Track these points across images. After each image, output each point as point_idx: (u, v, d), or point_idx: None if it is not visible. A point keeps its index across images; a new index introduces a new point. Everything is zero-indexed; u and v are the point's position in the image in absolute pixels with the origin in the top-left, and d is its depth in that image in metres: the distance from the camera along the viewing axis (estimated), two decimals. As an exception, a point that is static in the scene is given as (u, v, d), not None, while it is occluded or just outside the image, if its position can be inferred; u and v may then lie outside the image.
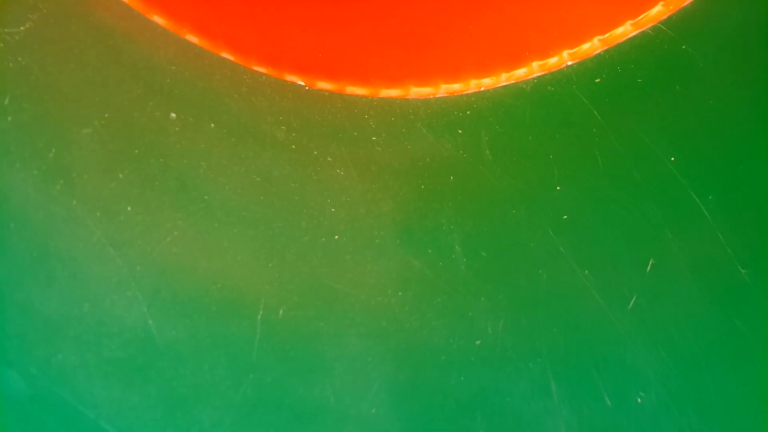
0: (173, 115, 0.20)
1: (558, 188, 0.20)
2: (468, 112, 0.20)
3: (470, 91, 0.17)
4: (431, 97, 0.17)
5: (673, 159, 0.20)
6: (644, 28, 0.17)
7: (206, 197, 0.21)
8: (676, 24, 0.19)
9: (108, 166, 0.21)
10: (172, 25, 0.16)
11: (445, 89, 0.17)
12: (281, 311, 0.21)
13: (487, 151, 0.20)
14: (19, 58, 0.20)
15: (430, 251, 0.21)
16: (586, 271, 0.21)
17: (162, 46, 0.19)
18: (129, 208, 0.21)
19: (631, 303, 0.20)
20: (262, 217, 0.21)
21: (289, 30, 0.16)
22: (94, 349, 0.21)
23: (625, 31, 0.17)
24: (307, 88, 0.17)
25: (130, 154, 0.21)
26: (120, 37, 0.20)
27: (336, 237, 0.21)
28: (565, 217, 0.20)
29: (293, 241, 0.21)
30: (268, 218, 0.21)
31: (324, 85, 0.16)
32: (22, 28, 0.20)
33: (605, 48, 0.17)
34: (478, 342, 0.21)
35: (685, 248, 0.20)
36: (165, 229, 0.21)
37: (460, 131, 0.20)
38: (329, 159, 0.20)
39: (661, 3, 0.16)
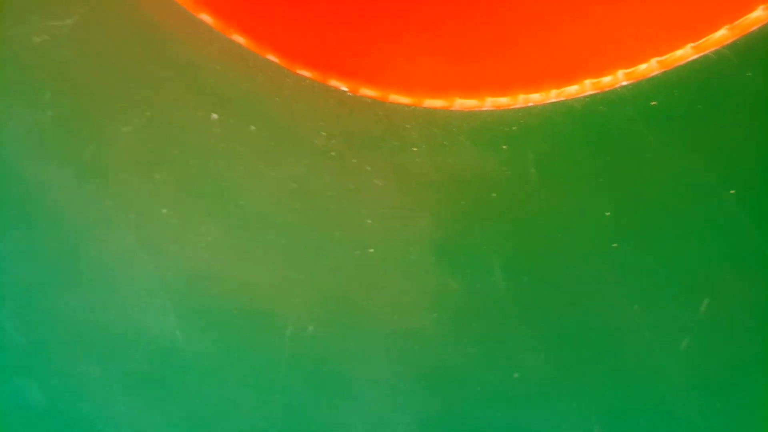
0: (215, 115, 0.21)
1: (607, 214, 0.21)
2: (514, 128, 0.20)
3: (518, 106, 0.17)
4: (476, 109, 0.18)
5: (732, 192, 0.20)
6: (706, 52, 0.17)
7: (242, 203, 0.22)
8: (740, 50, 0.19)
9: (145, 167, 0.22)
10: (220, 24, 0.17)
11: (492, 102, 0.17)
12: (311, 328, 0.22)
13: (533, 170, 0.21)
14: (64, 52, 0.22)
15: (467, 272, 0.21)
16: (635, 306, 0.21)
17: (207, 46, 0.21)
18: (164, 211, 0.22)
19: (683, 345, 0.21)
20: (297, 226, 0.22)
21: (336, 35, 0.18)
22: (118, 360, 0.21)
23: (685, 53, 0.17)
24: (350, 94, 0.18)
25: (168, 155, 0.22)
26: (166, 35, 0.21)
27: (371, 251, 0.22)
28: (614, 245, 0.21)
29: (326, 252, 0.22)
30: (302, 227, 0.22)
31: (367, 91, 0.17)
32: (68, 21, 0.22)
33: (663, 70, 0.17)
34: (516, 375, 0.21)
35: (744, 290, 0.20)
36: (198, 234, 0.22)
37: (504, 147, 0.21)
38: (368, 168, 0.21)
39: (726, 27, 0.17)
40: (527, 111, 0.20)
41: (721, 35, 0.17)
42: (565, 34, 0.17)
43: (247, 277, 0.22)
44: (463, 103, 0.17)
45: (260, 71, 0.20)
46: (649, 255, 0.21)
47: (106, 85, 0.22)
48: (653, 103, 0.20)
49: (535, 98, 0.17)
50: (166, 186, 0.22)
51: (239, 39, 0.17)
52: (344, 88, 0.18)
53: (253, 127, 0.21)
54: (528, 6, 0.18)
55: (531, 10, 0.18)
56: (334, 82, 0.17)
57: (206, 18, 0.17)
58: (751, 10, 0.16)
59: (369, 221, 0.21)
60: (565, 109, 0.20)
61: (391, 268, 0.22)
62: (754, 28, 0.17)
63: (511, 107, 0.18)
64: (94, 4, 0.21)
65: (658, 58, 0.17)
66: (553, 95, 0.17)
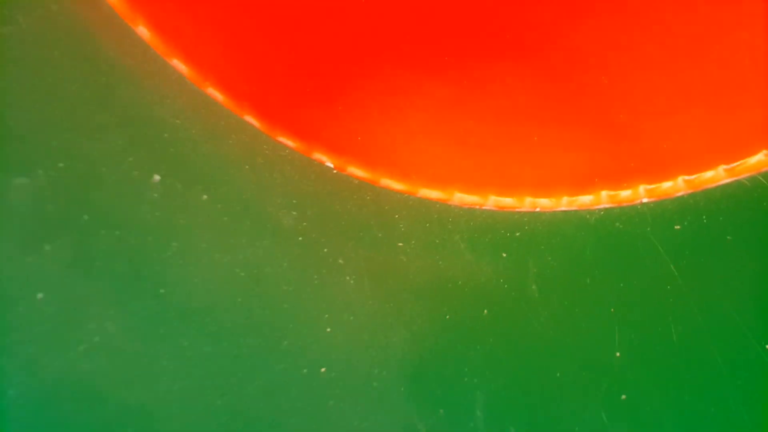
0: (157, 177, 0.24)
1: (618, 354, 0.24)
2: (517, 234, 0.24)
3: (523, 209, 0.22)
4: (477, 207, 0.22)
5: None
6: (740, 177, 0.21)
7: (162, 291, 0.23)
8: (779, 180, 0.23)
9: (33, 233, 0.23)
10: (195, 74, 0.21)
11: (495, 202, 0.22)
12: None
13: (534, 287, 0.24)
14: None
15: (441, 411, 0.24)
16: (644, 483, 0.24)
17: (172, 95, 0.24)
18: (39, 296, 0.23)
19: None
20: (231, 329, 0.24)
21: (329, 103, 0.22)
22: None
23: (716, 176, 0.21)
24: (335, 171, 0.22)
25: (74, 220, 0.23)
26: (122, 76, 0.24)
27: (323, 370, 0.24)
28: (623, 397, 0.24)
29: (264, 368, 0.24)
30: (238, 330, 0.24)
31: (356, 171, 0.21)
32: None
33: (690, 191, 0.22)
34: None
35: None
36: (81, 334, 0.23)
37: (504, 255, 0.24)
38: (340, 261, 0.24)
39: (764, 152, 0.21)
40: (534, 216, 0.24)
41: (758, 161, 0.21)
42: (582, 138, 0.22)
43: (132, 402, 0.23)
44: (463, 198, 0.22)
45: (233, 133, 0.23)
46: (665, 413, 0.24)
47: (15, 120, 0.23)
48: (677, 227, 0.24)
49: (544, 203, 0.22)
50: (57, 262, 0.23)
51: (215, 94, 0.21)
52: (330, 164, 0.22)
53: (205, 197, 0.24)
54: (545, 103, 0.22)
55: (548, 108, 0.22)
56: (319, 156, 0.21)
57: (179, 65, 0.21)
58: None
59: (329, 330, 0.24)
60: (577, 220, 0.24)
61: (346, 396, 0.24)
62: (795, 157, 0.21)
63: (516, 210, 0.22)
64: (38, 15, 0.23)
65: (686, 177, 0.21)
66: (564, 203, 0.22)
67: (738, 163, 0.21)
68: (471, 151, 0.22)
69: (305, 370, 0.24)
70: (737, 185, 0.22)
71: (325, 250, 0.24)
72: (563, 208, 0.22)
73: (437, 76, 0.22)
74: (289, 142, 0.21)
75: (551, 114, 0.22)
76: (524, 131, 0.22)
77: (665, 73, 0.22)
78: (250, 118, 0.21)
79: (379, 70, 0.22)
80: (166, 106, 0.24)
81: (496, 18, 0.23)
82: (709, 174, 0.21)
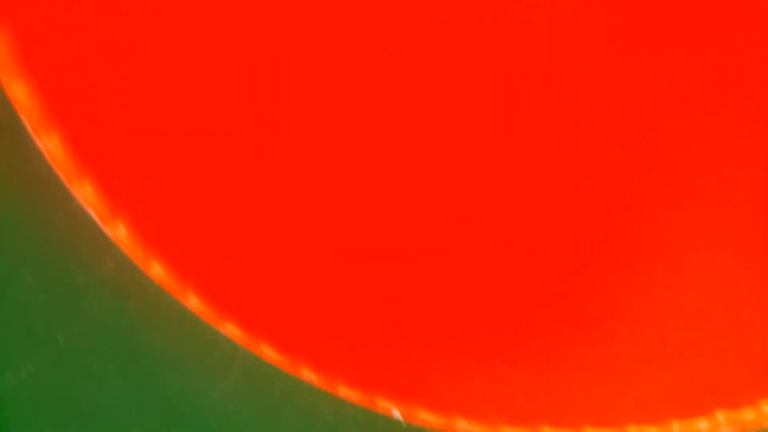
0: None
1: None
2: None
3: None
4: None
5: None
6: None
7: None
8: None
9: None
10: (247, 337, 0.22)
11: None
12: None
13: None
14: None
15: None
16: None
17: (221, 368, 0.25)
18: None
19: None
20: None
21: (391, 343, 0.23)
22: None
23: None
24: (405, 424, 0.22)
25: None
26: (157, 354, 0.26)
27: None
28: None
29: None
30: None
31: (428, 417, 0.22)
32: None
33: None
34: None
35: None
36: None
37: None
38: None
39: None
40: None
41: None
42: (688, 347, 0.22)
43: None
44: (555, 434, 0.21)
45: (287, 401, 0.25)
46: None
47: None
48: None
49: (651, 433, 0.21)
50: None
51: (270, 353, 0.22)
52: (397, 414, 0.22)
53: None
54: (636, 318, 0.23)
55: (639, 319, 0.23)
56: (383, 403, 0.22)
57: (232, 329, 0.23)
58: None
59: None
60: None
61: None
62: None
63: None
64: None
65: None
66: (676, 431, 0.21)
67: None
68: (558, 377, 0.22)
69: None
70: None
71: None
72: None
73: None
74: (351, 393, 0.22)
75: (645, 324, 0.23)
76: (617, 349, 0.23)
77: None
78: (307, 373, 0.22)
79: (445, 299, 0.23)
80: (215, 382, 0.25)
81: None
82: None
